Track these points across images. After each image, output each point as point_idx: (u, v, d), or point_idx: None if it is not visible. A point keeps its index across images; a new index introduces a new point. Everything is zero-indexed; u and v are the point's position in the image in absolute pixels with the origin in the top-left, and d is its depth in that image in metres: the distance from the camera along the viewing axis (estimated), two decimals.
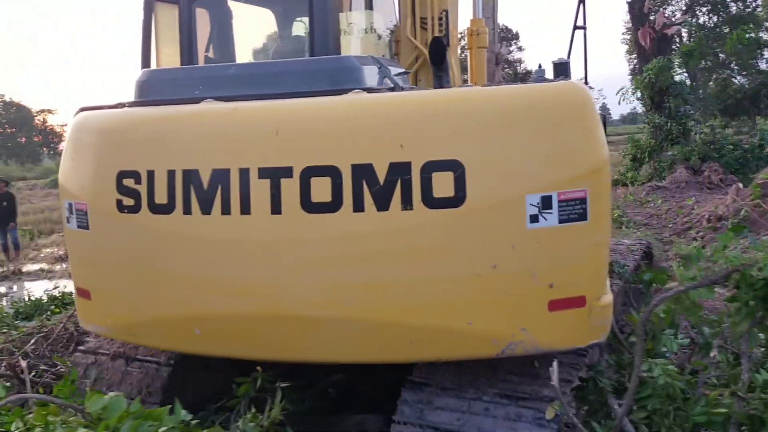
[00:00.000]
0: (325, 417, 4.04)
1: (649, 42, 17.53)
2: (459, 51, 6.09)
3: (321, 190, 2.95)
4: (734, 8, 55.13)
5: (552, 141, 2.94)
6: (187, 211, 3.15)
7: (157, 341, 3.59)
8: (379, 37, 4.71)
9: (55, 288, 8.47)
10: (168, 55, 4.31)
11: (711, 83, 60.48)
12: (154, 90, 3.68)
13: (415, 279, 2.96)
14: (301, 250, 3.03)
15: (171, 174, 3.18)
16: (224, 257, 3.13)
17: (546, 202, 2.87)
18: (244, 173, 3.04)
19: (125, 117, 3.52)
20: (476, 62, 5.09)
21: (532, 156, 2.93)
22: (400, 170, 2.89)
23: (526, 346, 2.94)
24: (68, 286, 9.52)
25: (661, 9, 18.97)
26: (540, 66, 5.20)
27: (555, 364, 2.62)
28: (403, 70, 4.00)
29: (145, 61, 4.30)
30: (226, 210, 3.07)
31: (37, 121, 65.06)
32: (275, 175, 3.00)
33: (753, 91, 57.93)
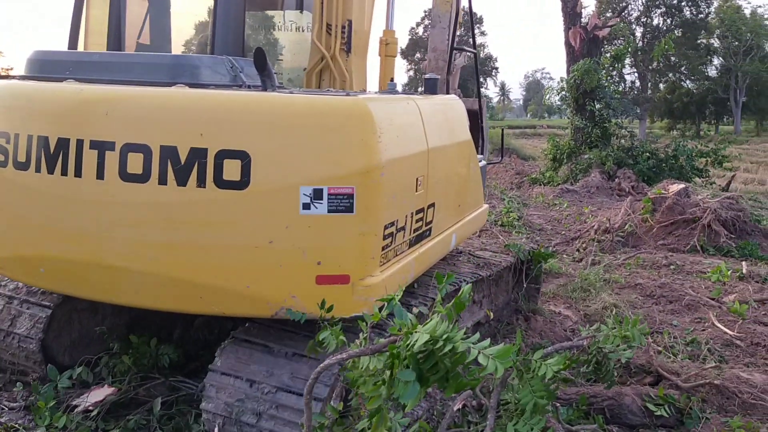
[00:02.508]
0: None
1: (578, 43, 17.39)
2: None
3: (135, 164, 3.51)
4: (688, 13, 56.19)
5: (327, 144, 3.46)
6: (38, 169, 3.78)
7: (17, 275, 4.26)
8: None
9: None
10: (95, 42, 4.88)
11: (661, 85, 61.73)
12: (36, 68, 4.30)
13: (204, 245, 3.51)
14: (116, 211, 3.62)
15: (29, 138, 3.81)
16: (60, 210, 3.77)
17: (317, 194, 3.41)
18: (79, 143, 3.64)
19: (7, 87, 4.19)
20: (384, 69, 5.56)
21: (309, 154, 3.44)
22: (198, 154, 3.42)
23: (297, 311, 3.49)
24: None
25: (593, 10, 18.74)
26: (392, 80, 5.46)
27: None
28: (234, 71, 4.38)
29: (72, 42, 4.78)
30: (64, 172, 3.68)
31: None
32: (102, 147, 3.59)
33: (700, 96, 59.38)
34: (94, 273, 3.74)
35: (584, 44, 17.57)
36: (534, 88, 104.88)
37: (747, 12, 57.35)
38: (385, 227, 3.65)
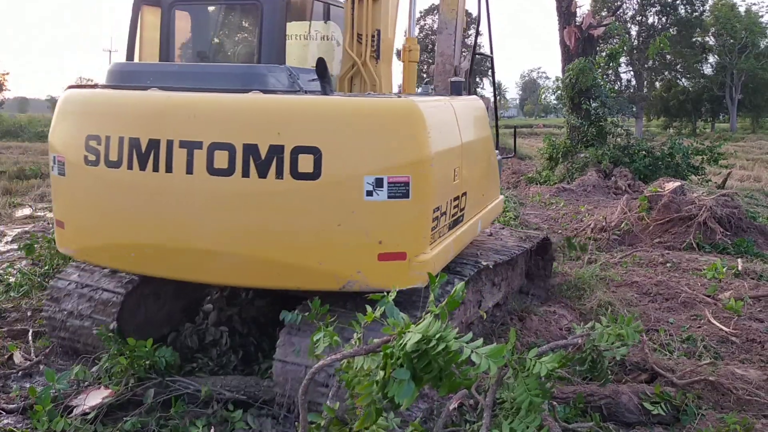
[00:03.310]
0: None
1: (573, 42, 17.39)
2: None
3: (221, 160, 4.05)
4: (683, 11, 56.24)
5: (386, 139, 4.02)
6: (130, 167, 4.28)
7: (107, 262, 4.76)
8: (338, 44, 5.91)
9: None
10: (149, 51, 5.52)
11: (657, 83, 61.79)
12: (118, 78, 4.89)
13: (282, 228, 4.06)
14: (204, 201, 4.14)
15: (121, 139, 4.31)
16: (152, 202, 4.28)
17: (378, 183, 3.94)
18: (170, 143, 4.16)
19: (95, 95, 4.79)
20: (408, 73, 6.12)
21: (371, 149, 4.00)
22: (276, 150, 3.96)
23: (361, 284, 4.03)
24: None
25: (588, 9, 18.79)
26: (426, 82, 6.24)
27: None
28: (293, 79, 4.99)
29: (130, 54, 5.37)
30: (156, 168, 4.19)
31: None
32: (191, 146, 4.11)
33: (696, 94, 59.44)
34: (184, 256, 4.27)
35: (579, 43, 17.57)
36: (530, 87, 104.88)
37: (742, 10, 57.41)
38: (434, 211, 4.21)
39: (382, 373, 2.15)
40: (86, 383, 4.46)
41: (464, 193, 4.97)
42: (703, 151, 16.46)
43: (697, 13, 56.26)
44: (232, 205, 4.07)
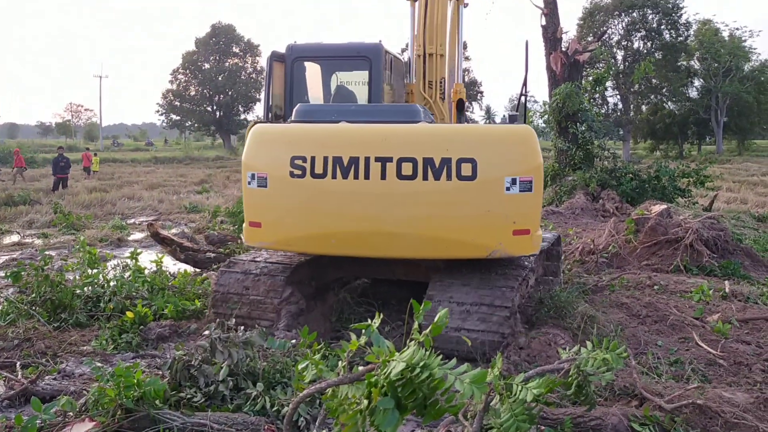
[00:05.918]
0: None
1: (559, 67, 17.61)
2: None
3: (407, 169, 5.71)
4: (668, 36, 57.10)
5: (518, 152, 5.82)
6: (333, 176, 5.82)
7: (306, 248, 6.31)
8: (392, 88, 7.57)
9: None
10: (276, 95, 7.49)
11: (643, 107, 62.43)
12: (306, 115, 6.48)
13: (450, 215, 5.76)
14: (394, 198, 5.76)
15: (326, 158, 5.85)
16: (353, 201, 5.85)
17: (513, 181, 5.67)
18: (366, 159, 5.76)
19: (294, 128, 6.35)
20: (455, 110, 7.89)
21: (508, 158, 5.77)
22: (446, 161, 5.65)
23: (501, 252, 5.81)
24: None
25: (574, 36, 19.07)
26: (509, 114, 7.96)
27: None
28: (430, 114, 6.88)
29: (267, 98, 7.24)
30: (356, 177, 5.77)
31: None
32: (384, 160, 5.74)
33: (682, 117, 60.13)
34: (376, 238, 5.86)
35: (565, 68, 17.79)
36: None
37: (725, 34, 58.37)
38: (542, 201, 6.06)
39: (366, 402, 2.16)
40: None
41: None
42: (690, 173, 16.61)
43: (681, 38, 57.16)
44: (415, 200, 5.70)
